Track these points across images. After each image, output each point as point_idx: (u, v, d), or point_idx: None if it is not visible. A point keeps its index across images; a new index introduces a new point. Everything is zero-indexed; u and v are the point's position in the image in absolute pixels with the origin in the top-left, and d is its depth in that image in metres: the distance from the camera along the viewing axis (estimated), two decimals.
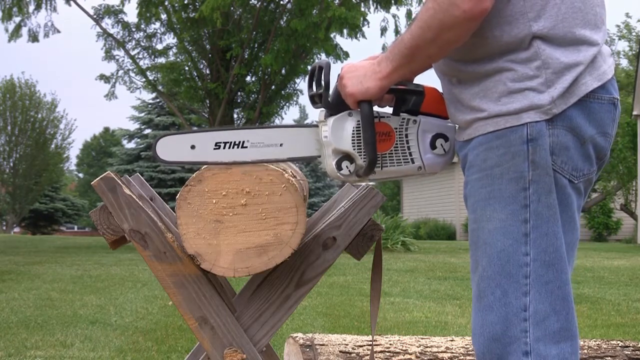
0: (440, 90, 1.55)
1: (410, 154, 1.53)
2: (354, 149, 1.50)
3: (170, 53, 17.39)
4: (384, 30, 16.52)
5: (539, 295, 1.34)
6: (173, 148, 1.61)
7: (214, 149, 1.59)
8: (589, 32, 1.37)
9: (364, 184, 1.68)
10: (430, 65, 1.48)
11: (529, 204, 1.35)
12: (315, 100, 1.57)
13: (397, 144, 1.53)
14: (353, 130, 1.50)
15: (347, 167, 1.52)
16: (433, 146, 1.53)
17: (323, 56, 16.28)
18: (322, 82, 1.54)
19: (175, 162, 1.62)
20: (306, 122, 46.13)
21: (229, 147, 1.59)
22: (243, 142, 1.59)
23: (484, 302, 1.38)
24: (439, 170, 1.57)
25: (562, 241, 1.36)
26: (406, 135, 1.53)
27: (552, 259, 1.35)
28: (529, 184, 1.35)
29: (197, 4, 15.49)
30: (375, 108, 1.51)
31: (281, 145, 1.59)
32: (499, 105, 1.37)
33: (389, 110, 1.54)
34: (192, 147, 1.59)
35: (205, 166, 1.61)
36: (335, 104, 1.52)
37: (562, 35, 1.35)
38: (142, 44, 17.03)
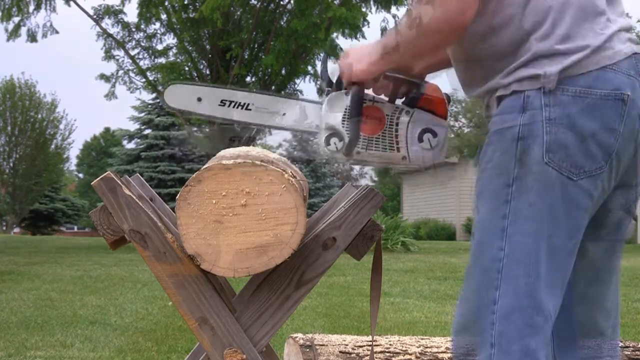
0: (444, 90, 1.58)
1: (397, 143, 1.56)
2: (343, 127, 1.54)
3: (170, 53, 17.40)
4: (384, 31, 16.52)
5: (507, 291, 1.36)
6: (181, 96, 1.66)
7: (219, 105, 1.64)
8: (590, 38, 1.38)
9: (352, 161, 1.70)
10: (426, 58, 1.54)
11: (509, 200, 1.37)
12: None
13: (386, 130, 1.56)
14: (345, 109, 1.54)
15: (334, 143, 1.56)
16: (420, 139, 1.56)
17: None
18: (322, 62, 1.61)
19: (180, 110, 1.69)
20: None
21: (234, 107, 1.64)
22: (248, 104, 1.64)
23: (464, 292, 1.43)
24: (424, 163, 1.60)
25: (537, 239, 1.36)
26: (396, 124, 1.56)
27: (521, 256, 1.36)
28: (512, 181, 1.36)
29: (197, 4, 15.49)
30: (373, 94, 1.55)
31: (284, 114, 1.63)
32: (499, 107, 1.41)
33: (386, 98, 1.57)
34: (199, 99, 1.64)
35: (205, 166, 1.61)
36: (337, 83, 1.56)
37: (562, 44, 1.36)
38: (142, 44, 17.04)
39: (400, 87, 1.54)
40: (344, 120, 1.53)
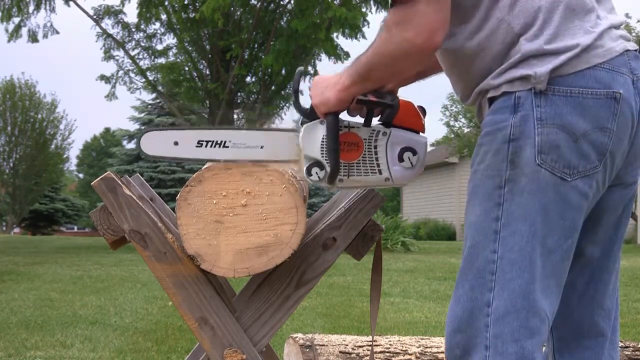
0: (416, 103, 1.58)
1: (378, 165, 1.56)
2: (323, 157, 1.54)
3: (170, 53, 17.41)
4: None
5: (502, 293, 1.35)
6: (157, 143, 1.66)
7: (196, 146, 1.64)
8: (580, 36, 1.37)
9: (336, 189, 1.70)
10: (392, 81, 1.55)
11: (502, 203, 1.36)
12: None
13: (365, 154, 1.55)
14: (322, 139, 1.53)
15: (316, 173, 1.55)
16: (401, 159, 1.55)
17: (323, 56, 16.32)
18: (292, 90, 1.59)
19: (158, 157, 1.67)
20: None
21: (211, 146, 1.63)
22: (225, 141, 1.64)
23: (456, 294, 1.41)
24: (407, 182, 1.60)
25: (530, 241, 1.35)
26: (375, 147, 1.55)
27: (516, 257, 1.35)
28: (504, 182, 1.36)
29: (197, 4, 15.49)
30: (348, 118, 1.55)
31: (262, 147, 1.63)
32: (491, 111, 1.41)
33: (361, 120, 1.56)
34: (175, 143, 1.63)
35: (206, 166, 1.61)
36: (310, 112, 1.55)
37: (551, 43, 1.36)
38: (142, 44, 17.04)
39: (374, 110, 1.54)
40: (322, 150, 1.54)
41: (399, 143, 1.55)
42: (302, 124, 1.57)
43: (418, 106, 1.58)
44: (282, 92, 17.22)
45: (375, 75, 1.44)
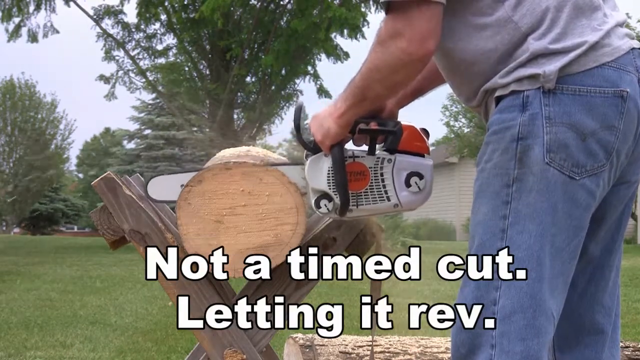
0: (418, 126, 1.58)
1: (386, 192, 1.55)
2: (330, 189, 1.53)
3: (170, 53, 17.39)
4: None
5: (508, 291, 1.35)
6: (163, 188, 1.67)
7: None
8: (587, 34, 1.37)
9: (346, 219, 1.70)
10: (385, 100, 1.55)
11: (510, 201, 1.36)
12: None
13: (372, 182, 1.55)
14: (328, 171, 1.53)
15: (325, 205, 1.54)
16: (408, 184, 1.55)
17: (323, 56, 16.32)
18: (293, 125, 1.59)
19: (166, 201, 1.68)
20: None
21: None
22: None
23: (462, 292, 1.41)
24: (416, 207, 1.60)
25: (539, 240, 1.35)
26: (381, 174, 1.55)
27: (523, 256, 1.35)
28: (512, 181, 1.36)
29: (197, 4, 15.49)
30: (352, 147, 1.56)
31: None
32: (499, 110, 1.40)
33: (366, 148, 1.56)
34: (182, 186, 1.63)
35: (206, 167, 1.61)
36: (314, 145, 1.55)
37: (559, 42, 1.36)
38: (142, 44, 17.03)
39: (377, 137, 1.54)
40: (329, 182, 1.53)
41: (404, 168, 1.55)
42: (306, 157, 1.57)
43: (421, 128, 1.59)
44: (282, 92, 17.21)
45: (371, 92, 1.42)
